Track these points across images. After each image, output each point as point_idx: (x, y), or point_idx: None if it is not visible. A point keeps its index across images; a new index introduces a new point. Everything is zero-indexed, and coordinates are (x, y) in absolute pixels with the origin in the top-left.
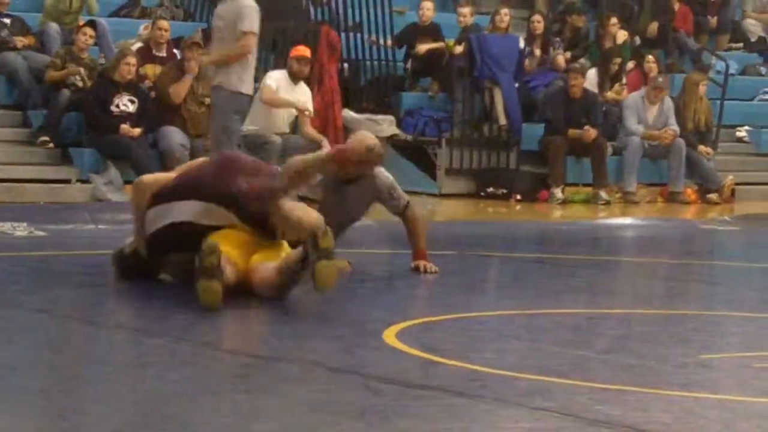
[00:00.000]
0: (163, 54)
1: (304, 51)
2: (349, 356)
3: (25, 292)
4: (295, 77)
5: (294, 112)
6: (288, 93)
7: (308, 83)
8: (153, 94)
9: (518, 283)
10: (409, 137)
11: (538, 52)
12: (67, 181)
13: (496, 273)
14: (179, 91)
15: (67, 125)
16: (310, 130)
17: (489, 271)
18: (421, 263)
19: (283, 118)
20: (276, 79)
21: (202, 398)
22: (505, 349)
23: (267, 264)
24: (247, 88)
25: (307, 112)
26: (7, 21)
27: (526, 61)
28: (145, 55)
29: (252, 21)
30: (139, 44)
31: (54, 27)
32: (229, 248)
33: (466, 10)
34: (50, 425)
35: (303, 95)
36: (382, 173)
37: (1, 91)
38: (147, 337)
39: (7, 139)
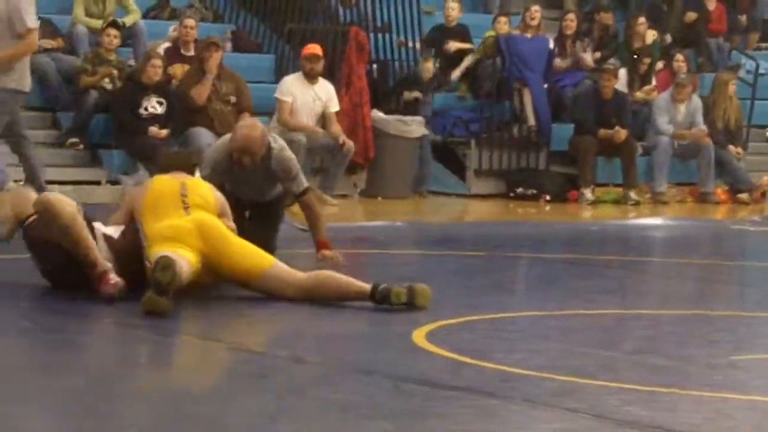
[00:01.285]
0: (191, 53)
1: (314, 49)
2: (378, 357)
3: (50, 292)
4: (308, 76)
5: (318, 109)
6: (305, 94)
7: (333, 81)
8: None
9: (548, 284)
10: (438, 138)
11: (569, 51)
12: (96, 183)
13: (526, 274)
14: (201, 92)
15: (96, 127)
16: (336, 128)
17: (518, 271)
18: (326, 253)
19: (308, 116)
20: (290, 86)
21: (229, 398)
22: (535, 349)
23: (290, 270)
24: (27, 84)
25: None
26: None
27: (558, 61)
28: (173, 55)
29: (33, 15)
30: (167, 44)
31: (82, 29)
32: (177, 249)
33: (503, 19)
34: (77, 425)
35: (324, 93)
36: (282, 153)
37: (31, 93)
38: (174, 337)
39: (37, 141)
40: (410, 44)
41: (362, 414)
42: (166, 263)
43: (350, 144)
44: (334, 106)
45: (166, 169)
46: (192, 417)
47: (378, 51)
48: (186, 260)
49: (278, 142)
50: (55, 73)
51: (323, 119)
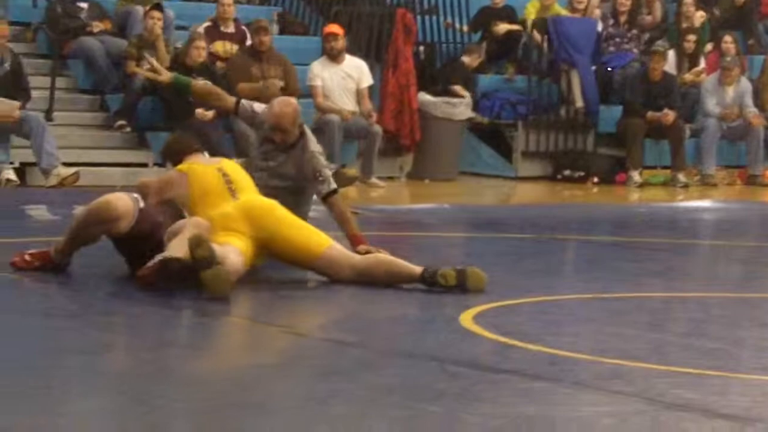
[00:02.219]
0: (231, 30)
1: (332, 27)
2: (426, 340)
3: (101, 276)
4: (331, 56)
5: (351, 86)
6: (333, 75)
7: (380, 63)
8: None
9: (595, 267)
10: (485, 120)
11: (620, 31)
12: (144, 165)
13: (574, 256)
14: (246, 91)
15: (143, 109)
16: (366, 104)
17: (566, 254)
18: (362, 249)
19: (342, 96)
20: (318, 70)
21: (278, 382)
22: (583, 332)
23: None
24: None
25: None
26: (84, 5)
27: (608, 42)
28: (213, 32)
29: None
30: (207, 23)
31: (139, 10)
32: (227, 238)
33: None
34: (128, 408)
35: (354, 70)
36: (316, 155)
37: (79, 75)
38: (223, 319)
39: (85, 123)
40: (457, 26)
41: (410, 397)
42: (197, 241)
43: (377, 126)
44: (367, 81)
45: (175, 153)
46: (241, 400)
47: (425, 33)
48: (236, 250)
49: (310, 133)
50: (104, 55)
51: (358, 95)
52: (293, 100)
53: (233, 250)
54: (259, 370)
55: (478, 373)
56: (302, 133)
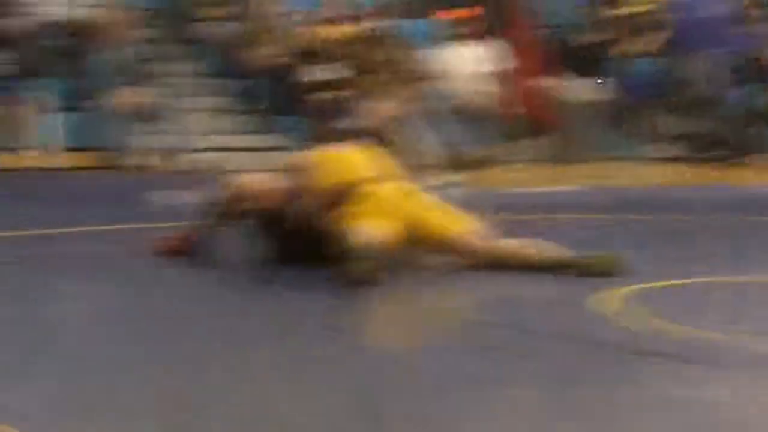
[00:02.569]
0: (349, 14)
1: (461, 12)
2: (563, 323)
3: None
4: (461, 39)
5: (480, 71)
6: (459, 59)
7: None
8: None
9: (746, 248)
10: (623, 101)
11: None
12: (272, 149)
13: (722, 237)
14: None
15: (268, 93)
16: (489, 89)
17: (709, 236)
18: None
19: (466, 80)
20: (444, 54)
21: (421, 363)
22: (737, 314)
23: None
24: None
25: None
26: None
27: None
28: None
29: None
30: (323, 7)
31: None
32: (376, 221)
33: None
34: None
35: (479, 54)
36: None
37: (206, 60)
38: (371, 303)
39: (213, 108)
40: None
41: (554, 379)
42: (365, 252)
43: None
44: (495, 65)
45: (323, 137)
46: (396, 384)
47: (558, 15)
48: (385, 233)
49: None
50: (226, 40)
51: (486, 79)
52: (391, 106)
53: (383, 234)
54: (403, 350)
55: (624, 356)
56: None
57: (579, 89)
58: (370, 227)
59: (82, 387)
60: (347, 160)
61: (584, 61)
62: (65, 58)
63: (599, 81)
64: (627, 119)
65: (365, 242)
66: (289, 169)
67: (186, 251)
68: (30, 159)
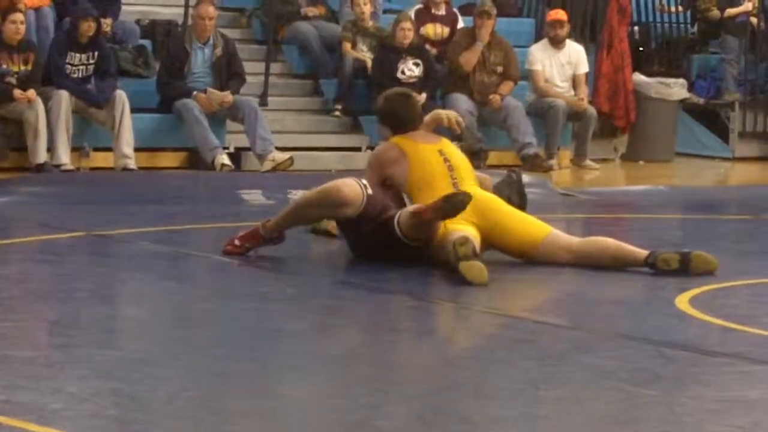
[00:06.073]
0: (442, 12)
1: (557, 14)
2: (642, 323)
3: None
4: (554, 42)
5: (569, 72)
6: (554, 60)
7: (595, 44)
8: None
9: None
10: (701, 100)
11: None
12: (357, 149)
13: None
14: (469, 59)
15: (357, 93)
16: (581, 90)
17: None
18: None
19: (560, 81)
20: (539, 54)
21: (491, 364)
22: None
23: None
24: None
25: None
26: None
27: None
28: (424, 15)
29: None
30: (418, 5)
31: None
32: (461, 225)
33: None
34: (342, 392)
35: (573, 56)
36: None
37: (294, 60)
38: (431, 302)
39: (301, 108)
40: (672, 9)
41: (626, 380)
42: (462, 240)
43: (591, 109)
44: (584, 68)
45: (402, 122)
46: (454, 383)
47: (640, 13)
48: (473, 235)
49: None
50: (318, 40)
51: (574, 81)
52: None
53: (472, 236)
54: (469, 352)
55: (695, 356)
56: None
57: (660, 87)
58: (467, 231)
59: (192, 395)
60: (432, 158)
61: (671, 59)
62: (155, 58)
63: (681, 80)
64: (708, 118)
65: (471, 245)
66: (377, 164)
67: (254, 246)
68: (123, 159)
